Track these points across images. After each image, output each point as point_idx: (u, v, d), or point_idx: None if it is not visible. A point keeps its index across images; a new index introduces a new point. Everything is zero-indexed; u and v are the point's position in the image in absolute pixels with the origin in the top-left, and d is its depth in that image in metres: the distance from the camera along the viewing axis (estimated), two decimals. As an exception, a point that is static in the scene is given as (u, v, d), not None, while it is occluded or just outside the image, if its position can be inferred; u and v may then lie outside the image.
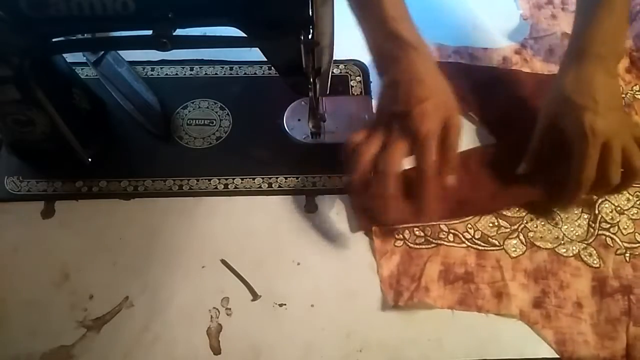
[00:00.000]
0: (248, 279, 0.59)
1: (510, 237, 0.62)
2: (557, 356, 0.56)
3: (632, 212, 0.64)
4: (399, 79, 0.56)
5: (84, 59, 0.72)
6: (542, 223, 0.63)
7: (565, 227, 0.63)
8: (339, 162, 0.66)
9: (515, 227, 0.63)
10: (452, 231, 0.62)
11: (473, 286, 0.59)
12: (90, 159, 0.66)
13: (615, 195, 0.65)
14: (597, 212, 0.64)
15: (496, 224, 0.63)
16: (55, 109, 0.59)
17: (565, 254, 0.61)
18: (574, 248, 0.61)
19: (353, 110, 0.71)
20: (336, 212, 0.63)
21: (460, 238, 0.62)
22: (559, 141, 0.59)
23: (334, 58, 0.57)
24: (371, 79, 0.73)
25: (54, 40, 0.55)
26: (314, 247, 0.61)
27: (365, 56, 0.74)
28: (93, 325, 0.56)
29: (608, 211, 0.64)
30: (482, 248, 0.61)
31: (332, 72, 0.60)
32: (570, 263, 0.61)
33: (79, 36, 0.62)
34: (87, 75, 0.72)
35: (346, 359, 0.55)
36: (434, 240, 0.61)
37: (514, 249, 0.61)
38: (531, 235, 0.62)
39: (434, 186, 0.55)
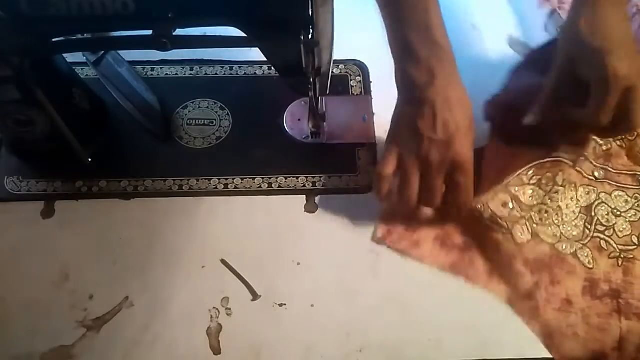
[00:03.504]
0: (248, 279, 0.59)
1: (519, 222, 0.60)
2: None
3: (629, 215, 0.63)
4: (433, 100, 0.54)
5: (84, 59, 0.72)
6: (546, 217, 0.61)
7: (563, 226, 0.62)
8: (339, 162, 0.66)
9: (524, 214, 0.61)
10: None
11: (468, 256, 0.60)
12: (90, 159, 0.65)
13: (613, 198, 0.64)
14: (593, 214, 0.63)
15: (510, 205, 0.60)
16: (55, 109, 0.59)
17: (564, 251, 0.61)
18: (572, 246, 0.61)
19: (353, 110, 0.71)
20: (336, 212, 0.63)
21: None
22: (575, 86, 0.57)
23: (334, 58, 0.57)
24: (371, 79, 0.73)
25: (54, 40, 0.55)
26: (314, 247, 0.61)
27: (365, 56, 0.75)
28: (93, 325, 0.56)
29: (604, 213, 0.63)
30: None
31: (332, 72, 0.60)
32: (568, 260, 0.60)
33: (79, 36, 0.62)
34: (87, 75, 0.72)
35: (346, 359, 0.55)
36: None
37: (520, 234, 0.60)
38: (535, 227, 0.61)
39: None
